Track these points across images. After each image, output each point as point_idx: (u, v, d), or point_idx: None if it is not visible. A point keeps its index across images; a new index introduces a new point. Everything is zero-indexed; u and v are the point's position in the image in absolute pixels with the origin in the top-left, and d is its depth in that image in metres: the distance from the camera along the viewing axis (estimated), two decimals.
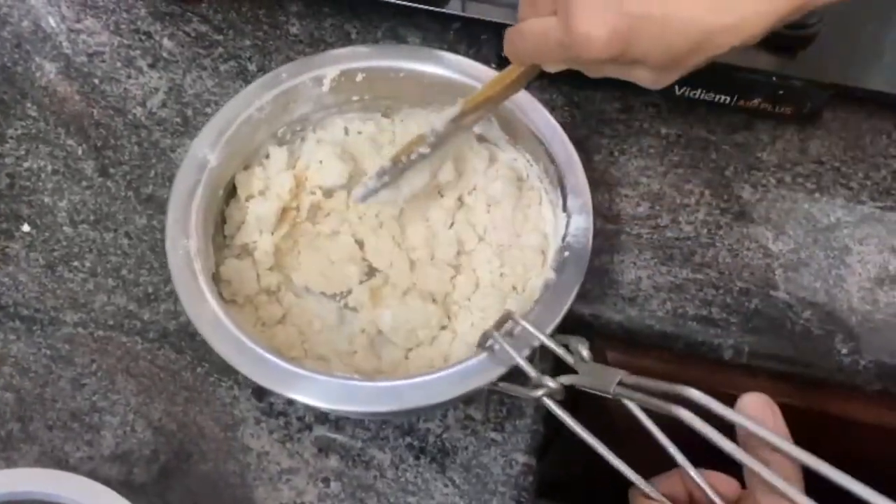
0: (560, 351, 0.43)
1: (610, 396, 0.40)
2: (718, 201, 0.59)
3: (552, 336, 0.44)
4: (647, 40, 0.36)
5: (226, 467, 0.50)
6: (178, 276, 0.47)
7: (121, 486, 0.48)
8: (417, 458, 0.50)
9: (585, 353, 0.43)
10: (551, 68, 0.45)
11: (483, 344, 0.45)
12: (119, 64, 0.64)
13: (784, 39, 0.57)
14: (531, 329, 0.44)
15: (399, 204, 0.55)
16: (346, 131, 0.59)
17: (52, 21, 0.66)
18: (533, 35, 0.41)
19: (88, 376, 0.52)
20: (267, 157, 0.56)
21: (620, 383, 0.40)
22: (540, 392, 0.42)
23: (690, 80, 0.57)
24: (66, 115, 0.62)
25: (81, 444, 0.50)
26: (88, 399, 0.51)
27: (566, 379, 0.42)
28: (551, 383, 0.42)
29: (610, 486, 0.46)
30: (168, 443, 0.50)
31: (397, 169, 0.52)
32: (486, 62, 0.56)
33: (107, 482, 0.48)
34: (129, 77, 0.63)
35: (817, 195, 0.59)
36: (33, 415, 0.51)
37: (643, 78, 0.40)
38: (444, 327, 0.53)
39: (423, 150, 0.51)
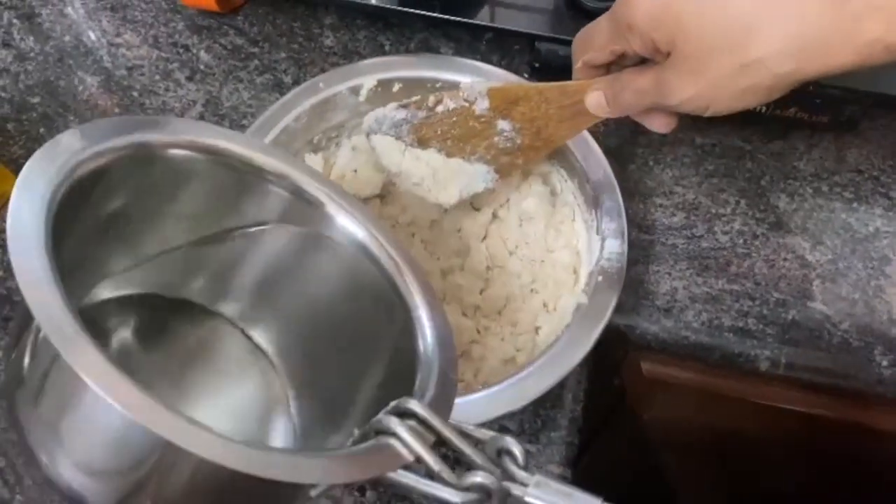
0: (436, 467, 0.30)
1: None
2: (754, 211, 0.58)
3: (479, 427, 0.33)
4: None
5: None
6: None
7: None
8: (453, 468, 0.50)
9: (520, 456, 0.31)
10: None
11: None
12: (158, 77, 0.65)
13: None
14: (435, 423, 0.31)
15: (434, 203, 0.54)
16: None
17: (92, 35, 0.67)
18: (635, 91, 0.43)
19: None
20: None
21: None
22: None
23: None
24: None
25: None
26: None
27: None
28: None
29: (650, 497, 0.46)
30: None
31: (419, 112, 0.51)
32: (518, 72, 0.56)
33: None
34: (167, 90, 0.65)
35: (855, 204, 0.59)
36: None
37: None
38: (473, 341, 0.53)
39: (453, 103, 0.50)
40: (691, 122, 0.62)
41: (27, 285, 0.28)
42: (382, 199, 0.57)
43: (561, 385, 0.52)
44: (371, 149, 0.54)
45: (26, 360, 0.32)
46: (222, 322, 0.44)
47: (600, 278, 0.48)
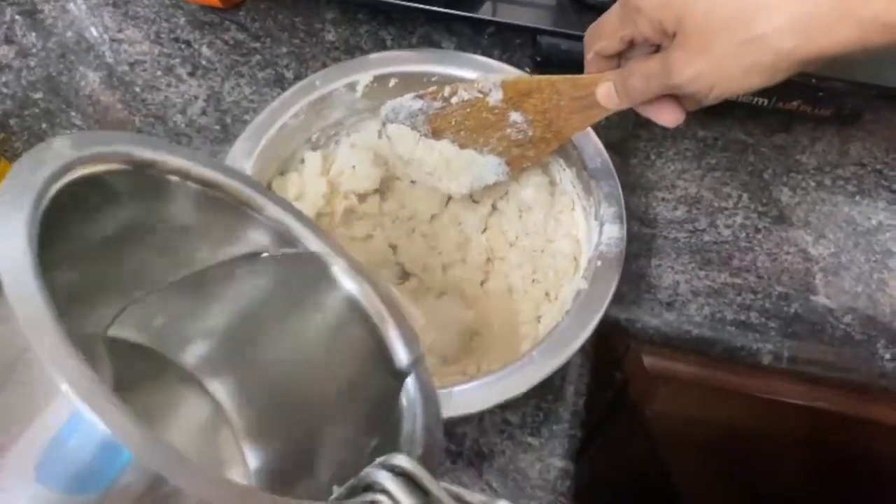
0: None
1: None
2: (757, 205, 0.58)
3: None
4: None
5: None
6: None
7: None
8: (454, 461, 0.51)
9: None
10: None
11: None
12: (159, 72, 0.65)
13: None
14: (426, 481, 0.30)
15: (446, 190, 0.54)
16: (380, 134, 0.59)
17: (94, 31, 0.68)
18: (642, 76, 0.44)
19: None
20: (302, 162, 0.57)
21: None
22: None
23: None
24: (109, 123, 0.63)
25: None
26: None
27: None
28: None
29: (652, 490, 0.46)
30: None
31: (434, 103, 0.52)
32: (520, 66, 0.56)
33: None
34: (169, 85, 0.65)
35: (858, 198, 0.58)
36: None
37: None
38: (476, 334, 0.53)
39: (468, 94, 0.50)
40: (693, 116, 0.62)
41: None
42: (382, 195, 0.57)
43: (563, 378, 0.52)
44: (386, 137, 0.54)
45: None
46: (178, 371, 0.41)
47: (599, 263, 0.48)
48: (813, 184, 0.59)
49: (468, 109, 0.51)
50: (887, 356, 0.52)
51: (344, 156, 0.57)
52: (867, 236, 0.57)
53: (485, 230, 0.56)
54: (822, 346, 0.53)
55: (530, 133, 0.51)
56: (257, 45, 0.66)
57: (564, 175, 0.55)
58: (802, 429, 0.59)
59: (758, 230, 0.57)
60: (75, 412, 0.25)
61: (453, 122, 0.52)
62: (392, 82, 0.56)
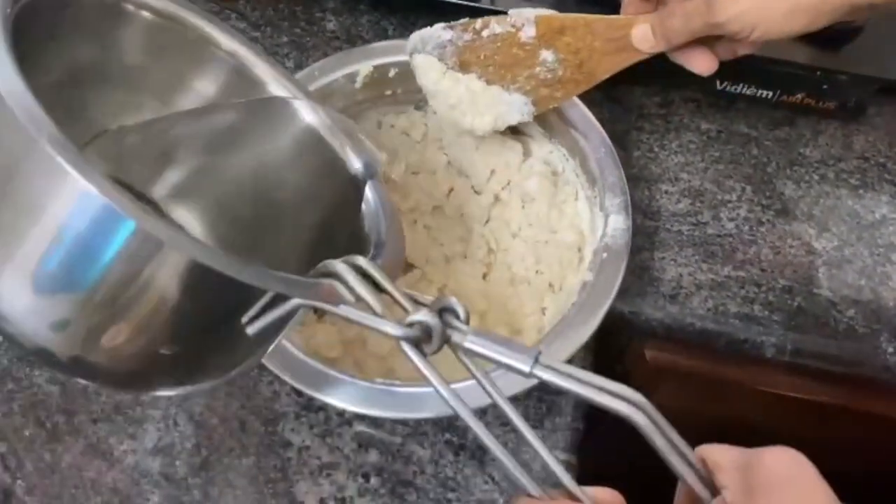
0: (377, 308, 0.31)
1: (527, 372, 0.31)
2: (760, 198, 0.58)
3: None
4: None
5: (266, 462, 0.50)
6: None
7: (162, 479, 0.49)
8: (457, 454, 0.50)
9: (461, 312, 0.31)
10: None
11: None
12: None
13: (829, 33, 0.56)
14: (380, 279, 0.31)
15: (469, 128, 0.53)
16: (380, 125, 0.59)
17: None
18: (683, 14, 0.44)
19: None
20: None
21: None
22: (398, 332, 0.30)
23: (732, 74, 0.57)
24: None
25: (125, 436, 0.51)
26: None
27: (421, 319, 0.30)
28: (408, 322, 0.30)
29: (650, 482, 0.46)
30: (209, 437, 0.51)
31: (464, 35, 0.51)
32: None
33: (149, 474, 0.49)
34: None
35: (862, 191, 0.58)
36: (78, 408, 0.52)
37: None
38: (480, 326, 0.52)
39: (500, 27, 0.50)
40: (696, 108, 0.62)
41: None
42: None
43: None
44: (413, 67, 0.53)
45: None
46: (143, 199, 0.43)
47: (605, 255, 0.48)
48: (816, 177, 0.59)
49: (498, 44, 0.50)
50: (890, 350, 0.52)
51: None
52: (871, 230, 0.57)
53: (488, 221, 0.56)
54: (825, 340, 0.53)
55: (560, 73, 0.50)
56: (257, 34, 0.66)
57: (568, 165, 0.55)
58: (805, 422, 0.59)
59: (761, 223, 0.57)
60: (83, 192, 0.27)
61: (482, 56, 0.51)
62: (392, 72, 0.56)
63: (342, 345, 0.52)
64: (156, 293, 0.30)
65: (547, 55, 0.49)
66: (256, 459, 0.50)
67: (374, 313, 0.31)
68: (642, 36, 0.46)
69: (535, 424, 0.51)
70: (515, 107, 0.51)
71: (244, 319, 0.31)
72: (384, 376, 0.50)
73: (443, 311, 0.31)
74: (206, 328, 0.33)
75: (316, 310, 0.33)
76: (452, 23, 0.51)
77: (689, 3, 0.43)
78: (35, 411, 0.51)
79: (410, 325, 0.30)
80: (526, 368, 0.31)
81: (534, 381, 0.43)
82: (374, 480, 0.49)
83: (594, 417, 0.48)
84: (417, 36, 0.52)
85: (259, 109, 0.41)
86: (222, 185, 0.42)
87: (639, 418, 0.30)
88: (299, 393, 0.52)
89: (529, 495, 0.35)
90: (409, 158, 0.55)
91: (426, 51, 0.52)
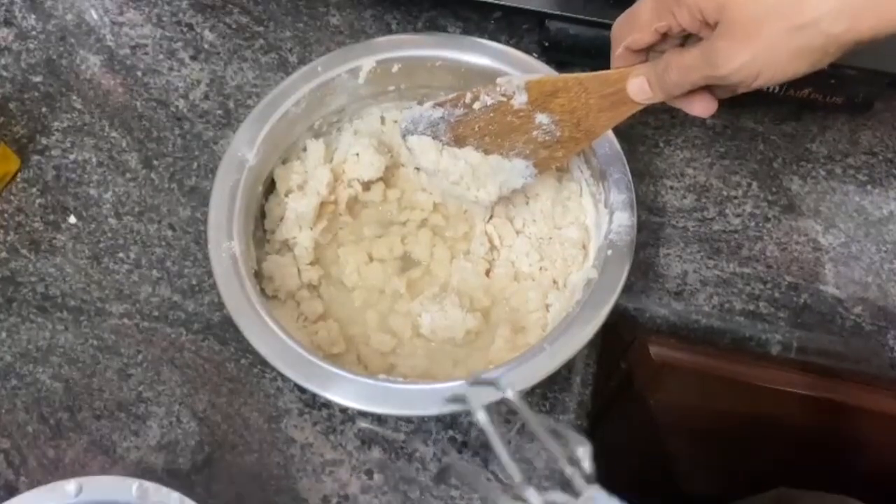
0: (564, 463, 0.30)
1: None
2: (766, 193, 0.58)
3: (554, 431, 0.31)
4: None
5: (269, 458, 0.50)
6: (222, 279, 0.48)
7: (166, 475, 0.49)
8: (460, 451, 0.50)
9: (587, 464, 0.29)
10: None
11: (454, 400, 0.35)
12: (161, 56, 0.64)
13: None
14: (530, 420, 0.31)
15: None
16: (383, 120, 0.58)
17: (94, 14, 0.67)
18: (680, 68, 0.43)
19: (134, 367, 0.53)
20: (304, 150, 0.56)
21: None
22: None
23: None
24: (110, 107, 0.62)
25: (128, 433, 0.51)
26: (135, 389, 0.52)
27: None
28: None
29: (655, 479, 0.46)
30: (212, 433, 0.51)
31: (455, 110, 0.50)
32: (528, 51, 0.55)
33: (153, 471, 0.49)
34: (171, 69, 0.64)
35: (869, 187, 0.58)
36: (81, 404, 0.52)
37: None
38: (484, 322, 0.52)
39: (490, 98, 0.49)
40: None
41: None
42: (386, 183, 0.56)
43: (569, 368, 0.52)
44: (408, 150, 0.53)
45: None
46: None
47: (610, 252, 0.48)
48: (823, 173, 0.58)
49: (492, 114, 0.50)
50: None
51: (347, 143, 0.57)
52: (878, 226, 0.56)
53: (491, 217, 0.55)
54: (831, 337, 0.53)
55: (558, 133, 0.49)
56: (260, 28, 0.65)
57: (572, 161, 0.54)
58: (810, 420, 0.58)
59: (767, 219, 0.57)
60: None
61: (477, 128, 0.50)
62: (395, 67, 0.55)
63: (345, 341, 0.52)
64: None
65: (542, 118, 0.49)
66: (259, 456, 0.50)
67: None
68: (639, 89, 0.45)
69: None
70: (517, 172, 0.51)
71: None
72: (387, 373, 0.50)
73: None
74: None
75: None
76: (441, 100, 0.51)
77: (687, 56, 0.42)
78: (39, 408, 0.51)
79: None
80: None
81: (542, 378, 0.42)
82: (377, 477, 0.49)
83: (596, 415, 0.48)
84: (408, 117, 0.52)
85: None
86: None
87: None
88: (302, 390, 0.52)
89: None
90: (433, 179, 0.54)
91: (419, 131, 0.51)
